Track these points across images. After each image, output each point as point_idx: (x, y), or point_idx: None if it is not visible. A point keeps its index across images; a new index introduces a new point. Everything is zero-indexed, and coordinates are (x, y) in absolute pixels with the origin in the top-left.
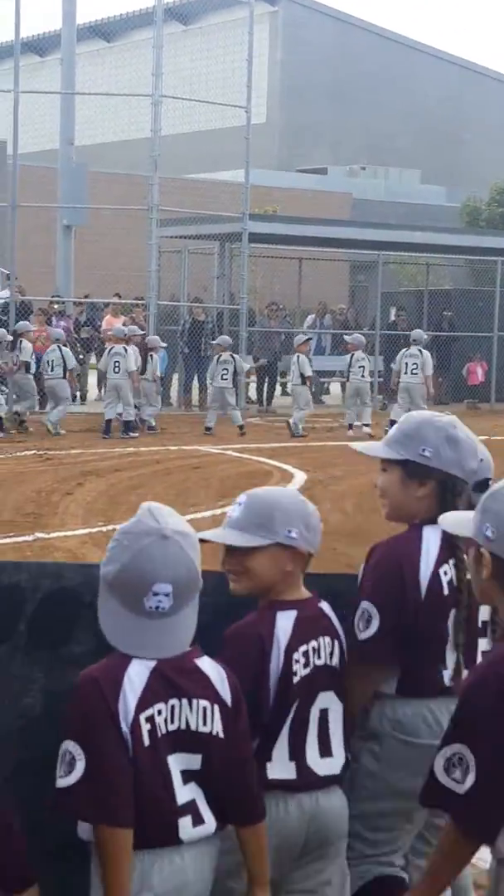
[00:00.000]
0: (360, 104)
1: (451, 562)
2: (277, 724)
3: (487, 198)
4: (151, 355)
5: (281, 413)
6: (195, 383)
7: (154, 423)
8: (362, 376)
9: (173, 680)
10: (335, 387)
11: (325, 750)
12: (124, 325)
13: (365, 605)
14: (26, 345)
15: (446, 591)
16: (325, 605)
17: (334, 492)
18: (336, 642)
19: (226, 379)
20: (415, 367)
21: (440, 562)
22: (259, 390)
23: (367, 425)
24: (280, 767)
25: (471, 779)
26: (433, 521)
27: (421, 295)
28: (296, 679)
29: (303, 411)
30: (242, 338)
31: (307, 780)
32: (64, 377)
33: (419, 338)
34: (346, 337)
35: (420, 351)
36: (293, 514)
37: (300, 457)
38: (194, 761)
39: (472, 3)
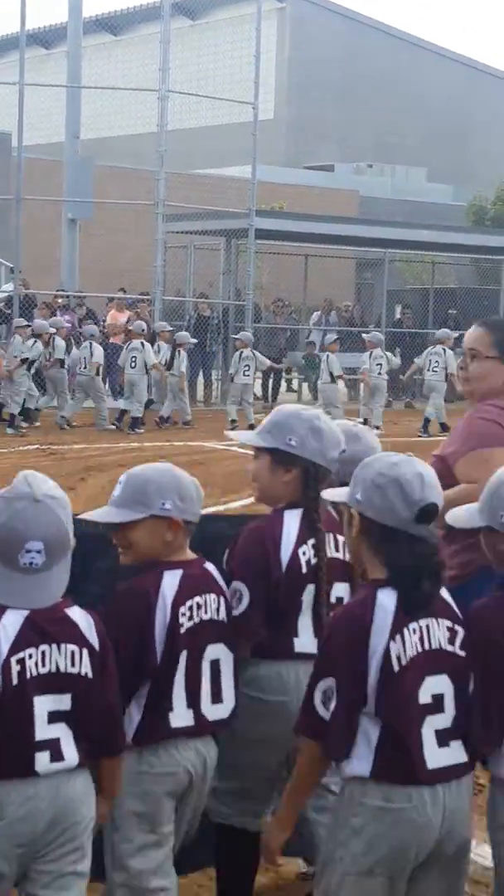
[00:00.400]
0: (368, 102)
1: (311, 542)
2: (170, 672)
3: (493, 196)
4: (179, 351)
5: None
6: (200, 379)
7: (188, 418)
8: (379, 374)
9: (45, 628)
10: (340, 384)
11: (217, 697)
12: (129, 320)
13: (236, 584)
14: (59, 342)
15: (304, 569)
16: (209, 566)
17: None
18: (222, 598)
19: (247, 375)
20: (436, 364)
21: (299, 542)
22: (264, 386)
23: (377, 427)
24: (181, 716)
25: (332, 705)
26: (297, 505)
27: (426, 293)
28: (182, 630)
29: (338, 409)
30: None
31: (202, 727)
32: (97, 373)
33: (444, 337)
34: (364, 335)
35: (444, 350)
36: (166, 487)
37: None
38: (64, 701)
39: (479, 2)
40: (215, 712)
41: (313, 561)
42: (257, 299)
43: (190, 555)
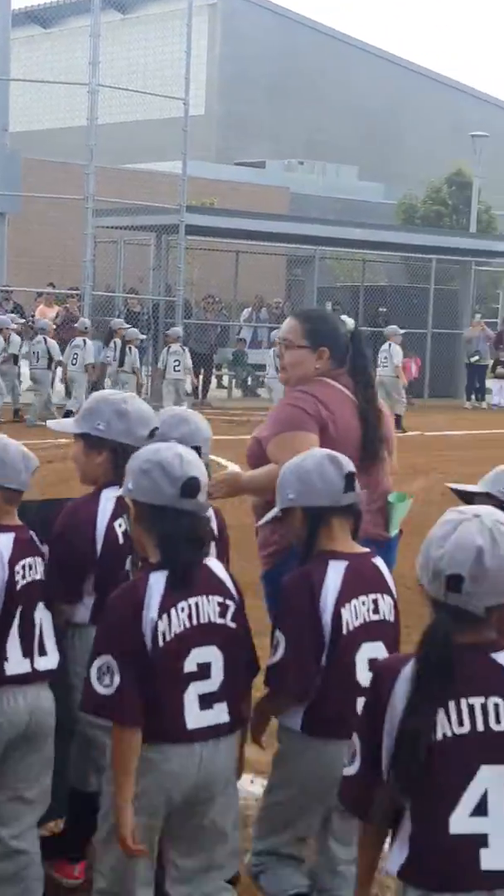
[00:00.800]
0: (299, 99)
1: (125, 516)
2: (6, 625)
3: (423, 196)
4: (130, 347)
5: (216, 406)
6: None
7: None
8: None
9: None
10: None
11: (43, 650)
12: (57, 315)
13: (51, 560)
14: (15, 337)
15: (121, 541)
16: (33, 533)
17: None
18: (42, 561)
19: (178, 370)
20: (385, 360)
21: (114, 517)
22: (194, 383)
23: None
24: (16, 664)
25: (115, 680)
26: (112, 484)
27: (357, 291)
28: (17, 588)
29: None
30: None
31: (35, 675)
32: (48, 368)
33: (392, 333)
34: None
35: (389, 345)
36: None
37: (236, 450)
38: None
39: (411, 2)
40: (44, 663)
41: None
42: (188, 295)
43: (17, 521)
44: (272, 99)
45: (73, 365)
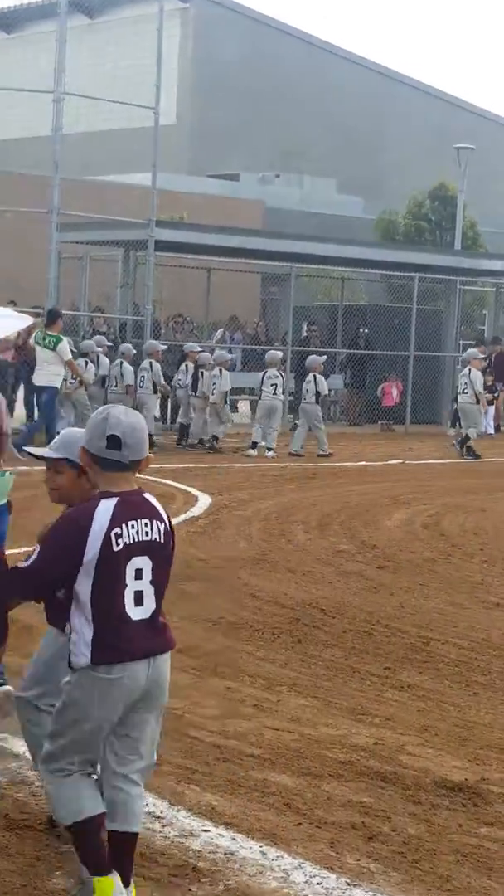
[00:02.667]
0: (276, 108)
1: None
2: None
3: (404, 210)
4: (202, 372)
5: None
6: None
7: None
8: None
9: None
10: (244, 405)
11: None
12: (18, 335)
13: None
14: (104, 359)
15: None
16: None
17: (240, 517)
18: None
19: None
20: (465, 386)
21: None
22: (163, 406)
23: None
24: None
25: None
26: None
27: (335, 310)
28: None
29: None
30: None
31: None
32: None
33: (472, 357)
34: (267, 354)
35: (469, 370)
36: None
37: (205, 479)
38: None
39: (394, 8)
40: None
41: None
42: (156, 314)
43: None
44: (247, 108)
45: (141, 387)
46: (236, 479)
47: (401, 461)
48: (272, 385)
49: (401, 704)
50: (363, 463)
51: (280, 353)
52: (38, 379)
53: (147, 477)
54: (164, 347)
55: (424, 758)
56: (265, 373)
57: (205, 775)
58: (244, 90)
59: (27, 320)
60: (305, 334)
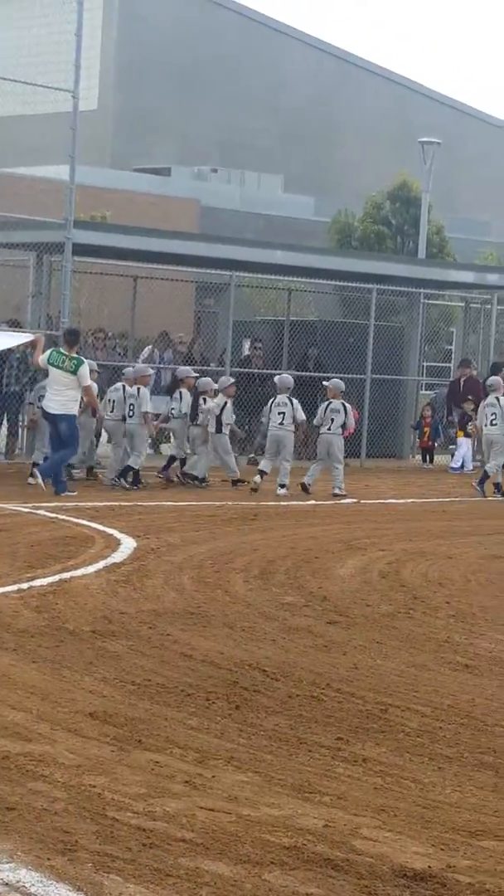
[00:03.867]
0: (213, 94)
1: None
2: None
3: (361, 212)
4: (205, 399)
5: (106, 464)
6: (3, 425)
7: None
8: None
9: None
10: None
11: None
12: None
13: None
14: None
15: None
16: None
17: (169, 563)
18: None
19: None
20: (493, 416)
21: None
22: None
23: (282, 486)
24: None
25: None
26: None
27: (281, 326)
28: None
29: (287, 463)
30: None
31: None
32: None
33: (497, 385)
34: (278, 379)
35: (498, 399)
36: None
37: (129, 519)
38: None
39: None
40: None
41: None
42: (75, 328)
43: None
44: (180, 93)
45: (130, 417)
46: (165, 519)
47: (355, 500)
48: (280, 413)
49: (354, 781)
50: (312, 502)
51: (290, 378)
52: (53, 406)
53: (63, 517)
54: (153, 372)
55: (381, 842)
56: (273, 399)
57: (127, 863)
58: (177, 72)
59: (27, 337)
60: (247, 353)
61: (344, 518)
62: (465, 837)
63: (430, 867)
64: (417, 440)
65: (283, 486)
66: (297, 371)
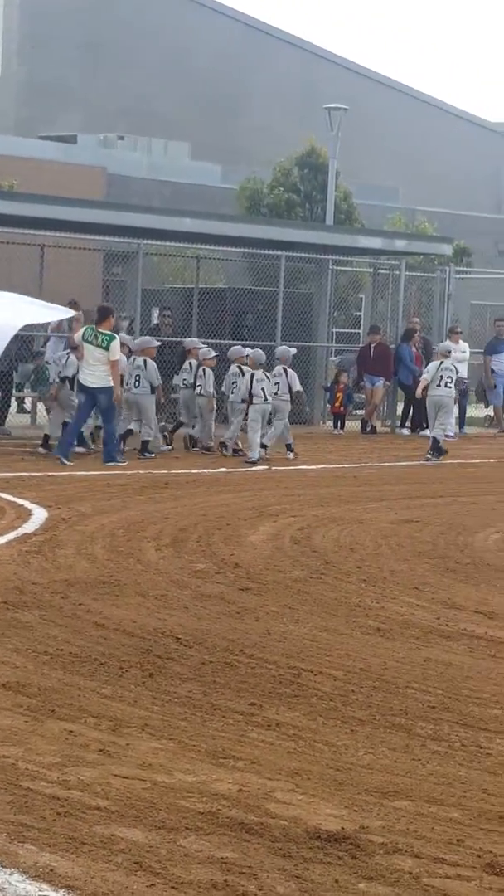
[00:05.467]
0: (119, 60)
1: None
2: None
3: (270, 179)
4: (205, 370)
5: (16, 435)
6: None
7: (210, 444)
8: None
9: None
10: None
11: None
12: None
13: None
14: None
15: None
16: None
17: (81, 533)
18: None
19: None
20: (449, 380)
21: None
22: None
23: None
24: None
25: None
26: None
27: (190, 294)
28: None
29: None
30: None
31: None
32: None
33: (447, 350)
34: (135, 342)
35: (454, 365)
36: None
37: (40, 489)
38: None
39: None
40: None
41: None
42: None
43: None
44: (85, 60)
45: (136, 387)
46: (77, 489)
47: (266, 467)
48: (276, 384)
49: (268, 745)
50: (223, 469)
51: (291, 350)
52: (90, 380)
53: None
54: (159, 344)
55: (295, 805)
56: (254, 375)
57: (42, 832)
58: (82, 38)
59: (66, 312)
60: (156, 322)
61: (255, 485)
62: (377, 798)
63: (343, 828)
64: (329, 406)
65: (265, 447)
66: (209, 338)
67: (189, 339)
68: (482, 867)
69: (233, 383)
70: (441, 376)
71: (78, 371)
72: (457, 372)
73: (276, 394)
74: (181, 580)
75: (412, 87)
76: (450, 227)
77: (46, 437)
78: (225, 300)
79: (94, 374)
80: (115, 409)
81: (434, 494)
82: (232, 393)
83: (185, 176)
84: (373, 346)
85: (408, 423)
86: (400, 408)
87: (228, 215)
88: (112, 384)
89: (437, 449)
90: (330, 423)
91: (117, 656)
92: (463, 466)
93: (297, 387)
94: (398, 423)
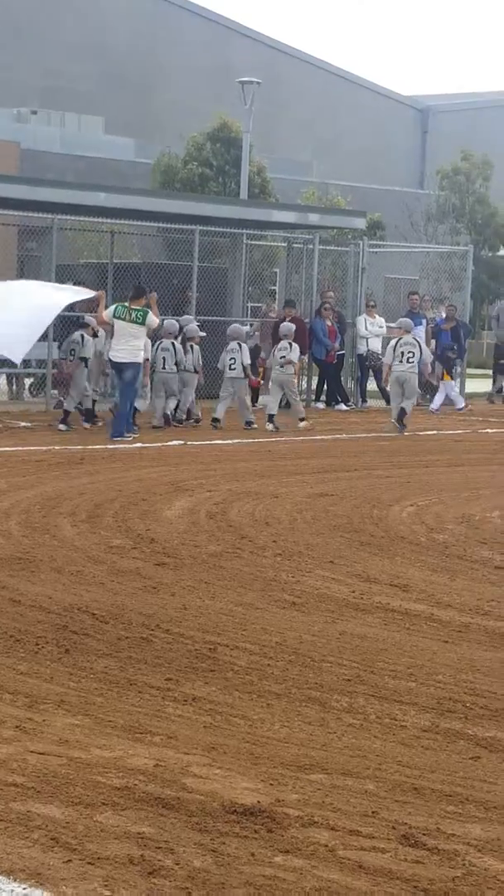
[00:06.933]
0: (32, 35)
1: None
2: None
3: (184, 153)
4: (192, 346)
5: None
6: None
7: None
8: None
9: None
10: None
11: None
12: None
13: None
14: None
15: None
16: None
17: None
18: None
19: None
20: (411, 355)
21: None
22: None
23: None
24: None
25: None
26: None
27: (104, 269)
28: None
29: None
30: None
31: None
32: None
33: (409, 326)
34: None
35: (416, 339)
36: None
37: None
38: None
39: None
40: None
41: None
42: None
43: None
44: None
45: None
46: None
47: (182, 442)
48: (281, 357)
49: (184, 720)
50: (138, 445)
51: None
52: (120, 355)
53: None
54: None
55: (212, 779)
56: (277, 345)
57: None
58: None
59: (88, 293)
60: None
61: (171, 460)
62: (293, 772)
63: (259, 802)
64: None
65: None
66: (174, 315)
67: (192, 325)
68: (397, 839)
69: (231, 359)
70: (403, 353)
71: (93, 353)
72: (419, 346)
73: (281, 368)
74: (97, 556)
75: (325, 61)
76: (363, 200)
77: (66, 413)
78: (140, 275)
79: (125, 349)
80: (136, 387)
81: (349, 468)
82: (231, 369)
83: (99, 150)
84: (287, 320)
85: (322, 397)
86: (315, 382)
87: (143, 189)
88: (140, 361)
89: (401, 420)
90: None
91: (33, 633)
92: (378, 440)
93: (296, 358)
94: (313, 397)
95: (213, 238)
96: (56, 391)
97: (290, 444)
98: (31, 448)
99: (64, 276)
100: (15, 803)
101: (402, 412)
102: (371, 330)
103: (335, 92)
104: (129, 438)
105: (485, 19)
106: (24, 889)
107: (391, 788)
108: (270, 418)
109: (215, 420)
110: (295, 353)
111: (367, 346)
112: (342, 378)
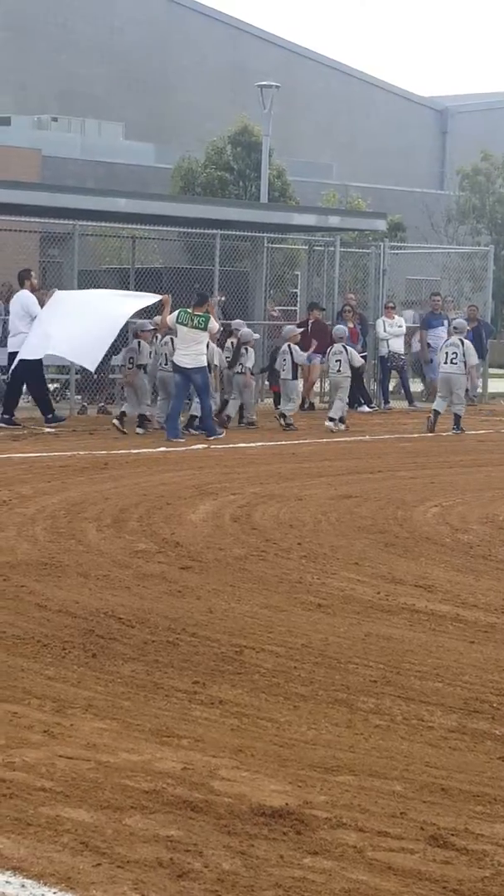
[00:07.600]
0: (49, 42)
1: None
2: None
3: (203, 158)
4: (246, 348)
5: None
6: None
7: (254, 418)
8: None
9: None
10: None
11: None
12: None
13: None
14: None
15: None
16: None
17: (22, 515)
18: None
19: None
20: (454, 356)
21: None
22: None
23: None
24: None
25: None
26: None
27: (126, 274)
28: None
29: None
30: None
31: None
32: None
33: (461, 327)
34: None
35: (461, 340)
36: None
37: None
38: None
39: None
40: None
41: None
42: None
43: None
44: (17, 40)
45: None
46: (16, 471)
47: (206, 446)
48: (337, 361)
49: (211, 723)
50: (162, 449)
51: (344, 328)
52: (185, 361)
53: None
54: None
55: (239, 782)
56: (331, 348)
57: None
58: (13, 19)
59: (154, 298)
60: None
61: (195, 464)
62: (320, 774)
63: (287, 804)
64: (269, 384)
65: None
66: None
67: (237, 321)
68: (425, 839)
69: (283, 360)
70: (447, 353)
71: (151, 358)
72: (463, 346)
73: (338, 371)
74: (122, 560)
75: (343, 63)
76: (383, 202)
77: (123, 414)
78: (161, 280)
79: (189, 354)
80: (209, 387)
81: (373, 469)
82: (283, 370)
83: (119, 156)
84: (310, 322)
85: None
86: None
87: (163, 195)
88: (205, 364)
89: (458, 423)
90: (269, 402)
91: (60, 637)
92: (400, 441)
93: (359, 361)
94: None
95: (235, 242)
96: (79, 397)
97: (314, 446)
98: (56, 453)
99: (86, 282)
100: (44, 808)
101: (457, 417)
102: (390, 331)
103: (353, 94)
104: (221, 435)
105: (503, 19)
106: (55, 893)
107: (419, 789)
108: (342, 420)
109: (228, 419)
110: (355, 358)
111: (389, 347)
112: (364, 380)
